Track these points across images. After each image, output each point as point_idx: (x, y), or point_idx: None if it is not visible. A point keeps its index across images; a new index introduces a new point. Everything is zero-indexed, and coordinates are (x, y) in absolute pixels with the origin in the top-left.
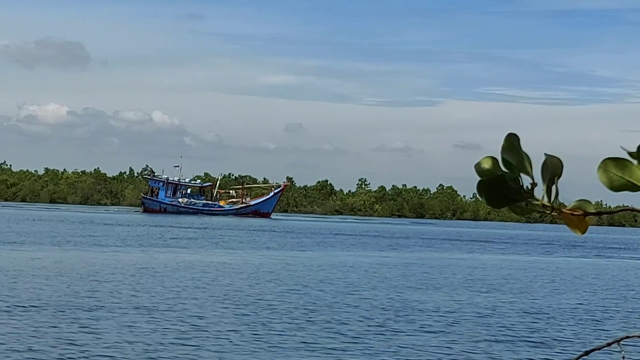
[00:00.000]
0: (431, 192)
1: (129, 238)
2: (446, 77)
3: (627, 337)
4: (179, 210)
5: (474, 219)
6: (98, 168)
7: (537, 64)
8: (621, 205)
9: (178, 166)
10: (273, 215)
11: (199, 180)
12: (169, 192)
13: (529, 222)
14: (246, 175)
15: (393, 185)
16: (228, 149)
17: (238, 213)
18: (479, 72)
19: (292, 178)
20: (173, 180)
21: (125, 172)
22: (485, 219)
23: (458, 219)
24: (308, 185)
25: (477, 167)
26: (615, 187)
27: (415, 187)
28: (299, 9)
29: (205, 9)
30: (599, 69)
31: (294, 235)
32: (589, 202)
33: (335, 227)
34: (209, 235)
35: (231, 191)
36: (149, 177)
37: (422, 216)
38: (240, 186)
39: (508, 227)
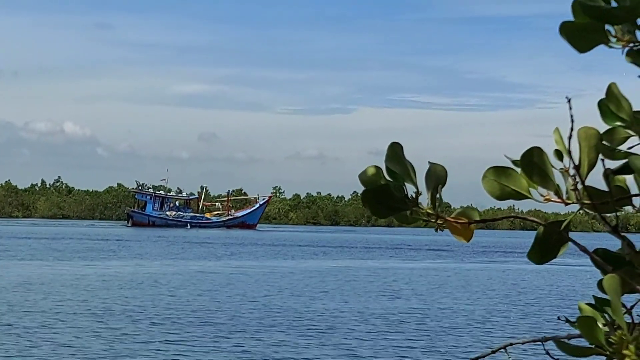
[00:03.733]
0: (346, 199)
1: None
2: (359, 85)
3: (512, 344)
4: (167, 223)
5: (388, 226)
6: (9, 180)
7: (449, 70)
8: (533, 210)
9: (165, 179)
10: (258, 227)
11: (185, 193)
12: (156, 205)
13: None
14: (160, 185)
15: (307, 193)
16: (141, 158)
17: (225, 225)
18: (391, 79)
19: (205, 186)
20: (160, 193)
21: (36, 184)
22: (400, 226)
23: (373, 225)
24: (222, 194)
25: (362, 176)
26: (500, 196)
27: (330, 194)
28: (210, 18)
29: (115, 18)
30: (509, 75)
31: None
32: (474, 209)
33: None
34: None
35: (217, 203)
36: (136, 190)
37: (336, 223)
38: (226, 198)
39: (420, 234)
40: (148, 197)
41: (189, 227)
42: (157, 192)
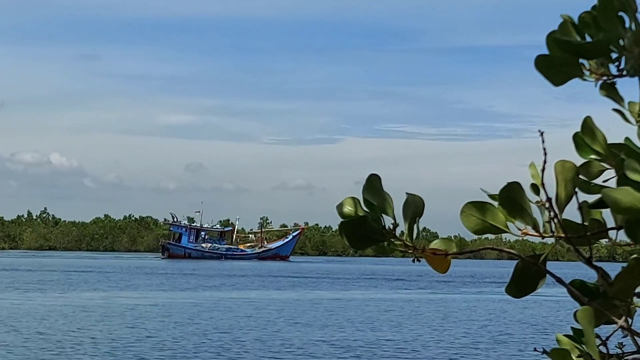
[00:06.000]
0: (333, 229)
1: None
2: (345, 115)
3: None
4: (203, 255)
5: (375, 256)
6: None
7: (435, 100)
8: (520, 239)
9: (199, 211)
10: (291, 258)
11: (218, 225)
12: (191, 237)
13: None
14: (147, 216)
15: (295, 223)
16: (128, 189)
17: (260, 257)
18: (377, 109)
19: (193, 218)
20: (195, 225)
21: (23, 216)
22: (388, 256)
23: (360, 255)
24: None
25: (339, 208)
26: (478, 231)
27: (317, 224)
28: (197, 48)
29: (102, 49)
30: (496, 105)
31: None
32: (451, 241)
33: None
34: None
35: (250, 235)
36: (170, 222)
37: (324, 254)
38: (259, 230)
39: (407, 264)
40: (183, 230)
41: (223, 259)
42: (192, 224)
